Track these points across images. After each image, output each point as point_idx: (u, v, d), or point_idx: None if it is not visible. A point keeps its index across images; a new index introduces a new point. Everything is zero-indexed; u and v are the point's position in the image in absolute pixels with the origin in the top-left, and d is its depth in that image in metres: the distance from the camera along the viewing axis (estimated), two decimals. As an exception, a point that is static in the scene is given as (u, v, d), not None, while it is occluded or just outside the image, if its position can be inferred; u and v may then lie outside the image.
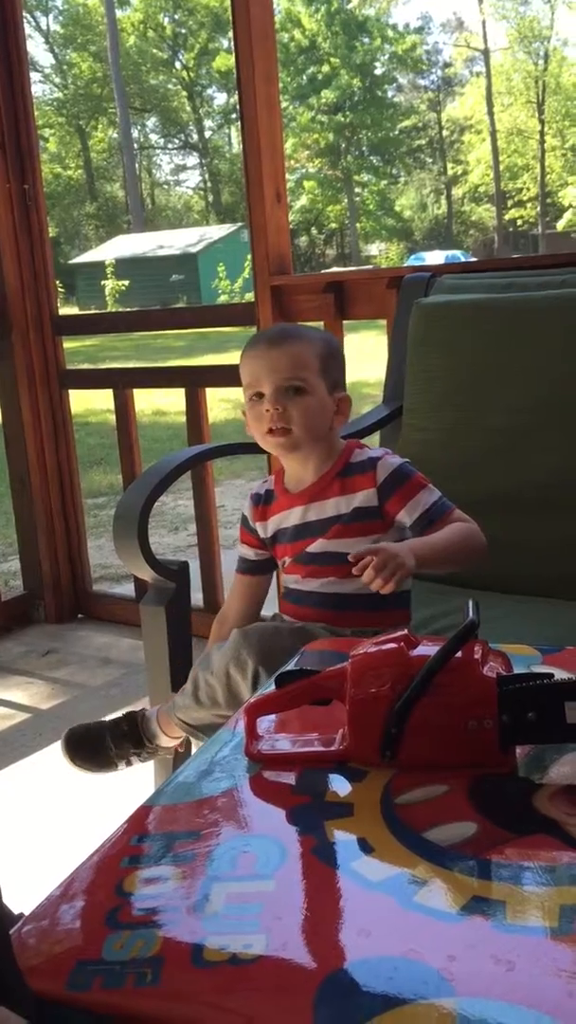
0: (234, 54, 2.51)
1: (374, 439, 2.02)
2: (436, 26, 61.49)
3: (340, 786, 0.88)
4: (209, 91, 41.68)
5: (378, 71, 38.59)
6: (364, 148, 39.43)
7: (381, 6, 38.02)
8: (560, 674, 0.90)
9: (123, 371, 3.35)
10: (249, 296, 2.77)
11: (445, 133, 40.95)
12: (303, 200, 37.45)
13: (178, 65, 40.35)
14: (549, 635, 1.43)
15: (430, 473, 1.53)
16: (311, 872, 0.76)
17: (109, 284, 18.50)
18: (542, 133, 35.81)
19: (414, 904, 0.70)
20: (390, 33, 38.73)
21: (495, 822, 0.80)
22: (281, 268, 2.59)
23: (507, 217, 37.33)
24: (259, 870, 0.76)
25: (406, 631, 0.95)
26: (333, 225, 39.91)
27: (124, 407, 2.97)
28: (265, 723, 0.98)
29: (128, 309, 13.05)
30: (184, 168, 45.56)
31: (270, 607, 1.76)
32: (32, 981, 0.65)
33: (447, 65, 41.94)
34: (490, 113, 36.38)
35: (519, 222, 37.37)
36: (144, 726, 1.63)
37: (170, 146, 43.88)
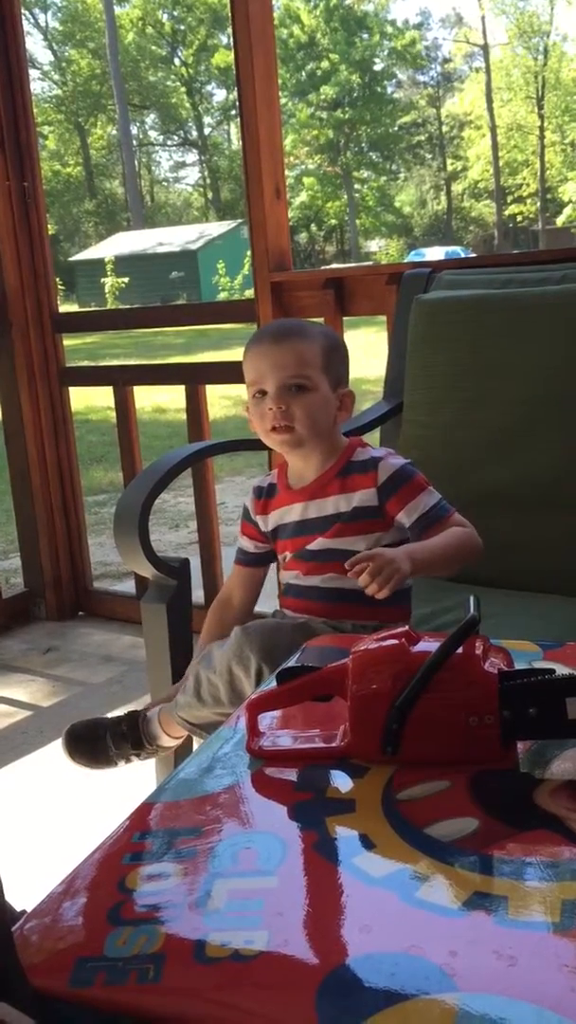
0: (233, 50, 2.51)
1: (374, 436, 2.02)
2: (435, 22, 61.54)
3: (342, 782, 0.88)
4: (208, 87, 41.72)
5: (377, 67, 38.53)
6: (364, 144, 39.39)
7: (380, 2, 38.02)
8: (561, 670, 0.90)
9: (123, 368, 3.34)
10: (249, 293, 2.77)
11: (445, 129, 40.91)
12: (303, 196, 37.40)
13: (177, 61, 40.31)
14: (550, 631, 1.43)
15: (430, 469, 1.53)
16: (313, 868, 0.76)
17: (109, 281, 18.49)
18: (542, 128, 35.76)
19: (416, 900, 0.70)
20: (389, 29, 38.70)
21: (496, 818, 0.80)
22: (281, 265, 2.58)
23: (507, 213, 37.28)
24: (261, 866, 0.76)
25: (407, 627, 0.95)
26: (333, 221, 39.86)
27: (124, 404, 2.96)
28: (266, 719, 0.98)
29: (128, 306, 13.03)
30: (183, 165, 45.58)
31: (271, 604, 1.76)
32: (34, 978, 0.65)
33: (446, 61, 41.97)
34: (489, 109, 36.32)
35: (519, 218, 37.32)
36: (145, 727, 1.63)
37: (169, 143, 43.89)
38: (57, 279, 3.49)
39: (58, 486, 3.18)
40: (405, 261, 16.27)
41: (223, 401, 7.51)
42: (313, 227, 39.84)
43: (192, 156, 44.24)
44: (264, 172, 2.51)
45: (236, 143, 37.08)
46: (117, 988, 0.64)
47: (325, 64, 36.37)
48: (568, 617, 1.59)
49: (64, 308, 3.50)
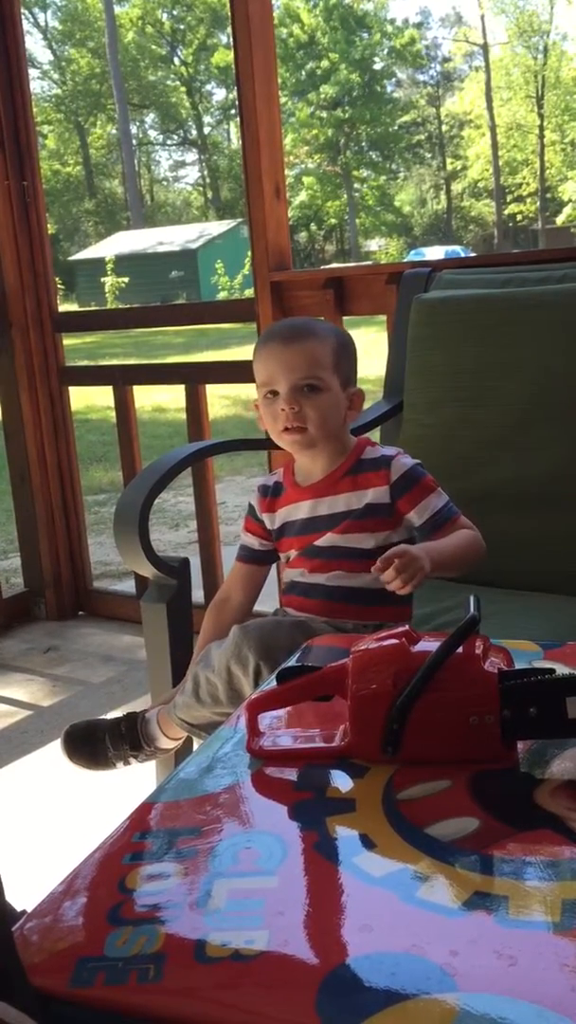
0: (233, 50, 2.51)
1: (374, 435, 2.02)
2: (435, 21, 61.25)
3: (342, 782, 0.88)
4: (208, 87, 41.69)
5: (377, 66, 38.50)
6: (363, 143, 39.37)
7: (380, 1, 37.98)
8: (561, 669, 0.90)
9: (123, 368, 3.34)
10: (249, 292, 2.77)
11: (444, 128, 40.89)
12: (302, 196, 37.38)
13: (177, 61, 40.29)
14: (550, 630, 1.44)
15: (431, 468, 1.54)
16: (313, 868, 0.77)
17: (108, 281, 18.47)
18: (541, 128, 35.75)
19: (416, 899, 0.70)
20: (389, 28, 38.68)
21: (497, 817, 0.80)
22: (281, 264, 2.58)
23: (507, 212, 37.28)
24: (261, 866, 0.76)
25: (408, 627, 0.95)
26: (332, 221, 39.84)
27: (124, 404, 2.96)
28: (266, 719, 0.98)
29: (128, 306, 13.03)
30: (183, 164, 45.57)
31: (271, 603, 1.76)
32: (35, 978, 0.65)
33: (446, 60, 41.94)
34: (489, 108, 36.31)
35: (519, 217, 37.31)
36: (144, 728, 1.63)
37: (169, 142, 43.86)
38: (57, 278, 3.49)
39: (58, 486, 3.18)
40: (405, 260, 16.25)
41: (223, 401, 7.51)
42: (313, 226, 39.82)
43: (192, 155, 44.30)
44: (264, 171, 2.51)
45: (236, 142, 37.07)
46: (117, 988, 0.64)
47: (325, 63, 36.35)
48: (568, 617, 1.59)
49: (64, 307, 3.50)
